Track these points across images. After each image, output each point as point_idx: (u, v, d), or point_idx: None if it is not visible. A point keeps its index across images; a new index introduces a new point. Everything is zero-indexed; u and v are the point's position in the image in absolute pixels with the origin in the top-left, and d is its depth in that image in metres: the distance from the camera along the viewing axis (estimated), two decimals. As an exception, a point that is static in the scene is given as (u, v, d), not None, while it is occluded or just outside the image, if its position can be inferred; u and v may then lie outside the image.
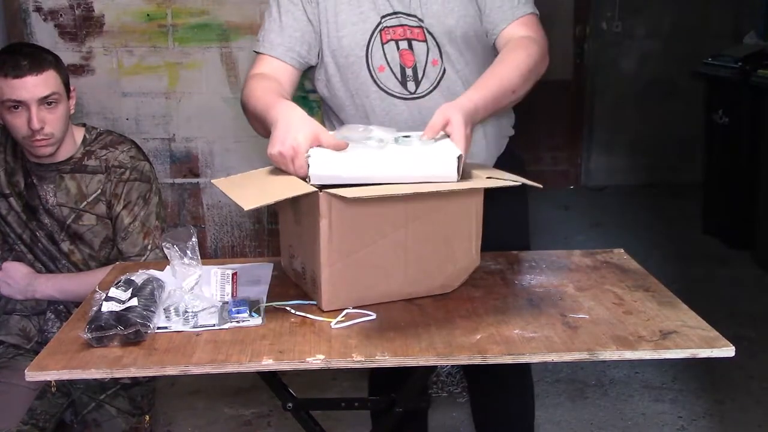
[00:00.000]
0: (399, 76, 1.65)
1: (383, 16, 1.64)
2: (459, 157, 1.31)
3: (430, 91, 1.66)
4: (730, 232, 4.29)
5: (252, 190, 1.36)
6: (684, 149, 5.47)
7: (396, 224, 1.33)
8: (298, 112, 1.40)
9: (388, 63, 1.65)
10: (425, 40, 1.64)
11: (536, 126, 5.44)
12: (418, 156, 1.34)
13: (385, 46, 1.64)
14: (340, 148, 1.34)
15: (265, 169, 1.44)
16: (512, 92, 1.54)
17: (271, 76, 1.64)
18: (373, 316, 1.32)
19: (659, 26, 5.58)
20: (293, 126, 1.35)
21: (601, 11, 5.57)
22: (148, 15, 3.07)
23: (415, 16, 1.64)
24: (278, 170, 1.39)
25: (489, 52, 1.72)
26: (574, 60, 5.65)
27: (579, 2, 5.56)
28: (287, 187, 1.31)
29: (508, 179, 1.39)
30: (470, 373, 2.05)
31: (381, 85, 1.66)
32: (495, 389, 1.94)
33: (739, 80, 3.99)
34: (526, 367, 1.99)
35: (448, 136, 1.37)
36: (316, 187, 1.28)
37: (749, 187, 4.02)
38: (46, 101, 1.79)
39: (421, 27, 1.64)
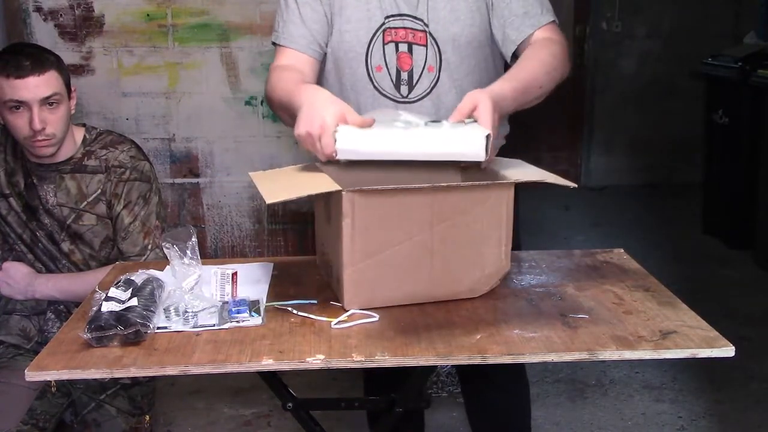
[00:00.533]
0: (394, 78, 1.66)
1: (387, 17, 1.64)
2: (487, 137, 1.28)
3: (422, 98, 1.67)
4: (730, 232, 4.29)
5: (280, 185, 1.36)
6: (684, 149, 5.47)
7: (421, 226, 1.31)
8: (323, 93, 1.40)
9: (386, 64, 1.65)
10: (426, 45, 1.65)
11: (536, 126, 5.44)
12: (447, 134, 1.31)
13: (385, 46, 1.65)
14: (366, 125, 1.32)
15: (300, 165, 1.45)
16: (539, 87, 1.54)
17: (294, 67, 1.64)
18: (376, 317, 1.31)
19: (659, 26, 5.58)
20: (319, 105, 1.34)
21: (601, 11, 5.57)
22: (148, 15, 3.06)
23: (421, 20, 1.64)
24: (312, 168, 1.40)
25: (491, 63, 1.72)
26: (574, 60, 5.64)
27: (579, 2, 5.56)
28: (312, 185, 1.32)
29: (537, 175, 1.36)
30: (463, 373, 2.05)
31: (376, 85, 1.66)
32: (489, 389, 1.94)
33: (739, 80, 3.99)
34: (521, 366, 1.98)
35: (476, 121, 1.33)
36: (340, 186, 1.28)
37: (749, 187, 4.02)
38: (47, 102, 1.79)
39: (425, 31, 1.64)
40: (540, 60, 1.56)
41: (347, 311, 1.33)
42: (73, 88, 1.89)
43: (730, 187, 4.23)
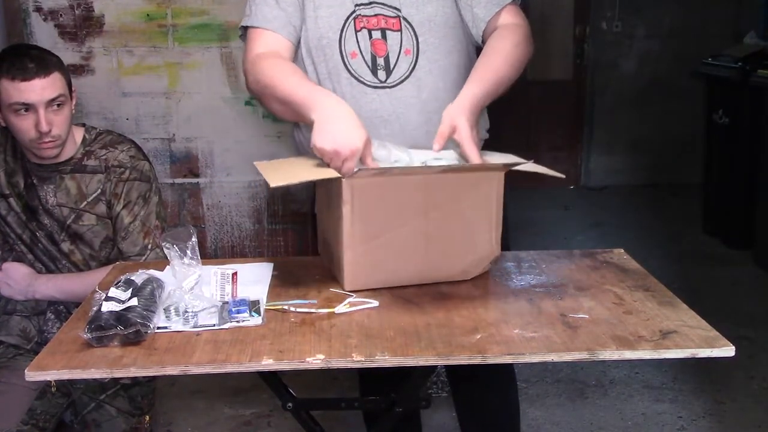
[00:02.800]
0: (370, 64, 1.66)
1: (358, 5, 1.66)
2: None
3: (401, 81, 1.67)
4: (730, 232, 4.29)
5: (283, 173, 1.43)
6: (684, 149, 5.47)
7: (417, 212, 1.39)
8: (346, 108, 1.43)
9: (360, 50, 1.66)
10: (400, 30, 1.66)
11: (536, 126, 5.45)
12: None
13: (358, 33, 1.66)
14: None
15: (305, 157, 1.52)
16: (508, 80, 1.62)
17: (278, 54, 1.64)
18: (376, 303, 1.36)
19: (659, 26, 5.58)
20: (350, 125, 1.39)
21: (601, 11, 5.57)
22: (148, 15, 3.06)
23: (392, 6, 1.66)
24: (314, 157, 1.45)
25: (465, 44, 1.74)
26: (574, 60, 5.65)
27: (579, 2, 5.57)
28: (315, 172, 1.39)
29: (526, 165, 1.41)
30: (452, 374, 2.04)
31: (352, 72, 1.66)
32: (478, 390, 1.94)
33: (739, 80, 3.99)
34: (510, 367, 1.98)
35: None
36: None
37: (749, 187, 4.02)
38: (53, 103, 1.78)
39: (398, 17, 1.66)
40: (505, 54, 1.62)
41: (346, 299, 1.37)
42: (73, 89, 1.89)
43: (730, 187, 4.23)
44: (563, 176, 1.41)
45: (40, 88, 1.76)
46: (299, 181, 1.37)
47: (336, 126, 1.39)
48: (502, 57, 1.62)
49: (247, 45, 1.69)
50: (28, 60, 1.77)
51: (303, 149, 1.75)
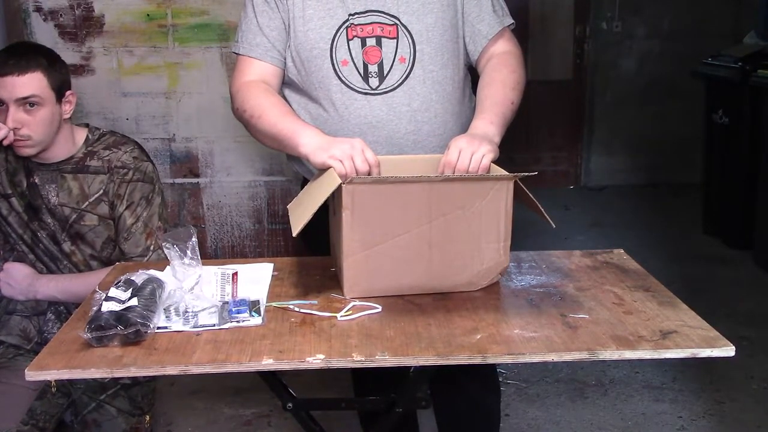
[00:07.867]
0: (361, 71, 1.67)
1: (352, 14, 1.67)
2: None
3: (393, 89, 1.68)
4: (730, 232, 4.29)
5: (302, 209, 1.43)
6: (684, 149, 5.47)
7: (420, 219, 1.36)
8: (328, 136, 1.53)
9: (352, 58, 1.67)
10: (397, 38, 1.67)
11: (536, 126, 5.45)
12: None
13: (350, 42, 1.67)
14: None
15: (318, 173, 1.50)
16: (514, 109, 1.68)
17: (265, 83, 1.70)
18: (379, 308, 1.34)
19: (659, 26, 5.58)
20: (339, 138, 1.51)
21: (601, 11, 5.57)
22: (148, 15, 3.06)
23: (389, 14, 1.67)
24: (324, 171, 1.46)
25: (460, 59, 1.76)
26: (574, 60, 5.65)
27: (579, 2, 5.57)
28: (322, 189, 1.38)
29: (531, 174, 1.43)
30: (432, 379, 2.02)
31: (343, 79, 1.68)
32: (458, 397, 1.93)
33: (739, 80, 3.99)
34: (492, 373, 1.98)
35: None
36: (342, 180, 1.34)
37: (749, 187, 4.02)
38: (25, 102, 1.77)
39: (395, 24, 1.67)
40: (504, 83, 1.69)
41: (349, 303, 1.36)
42: (69, 92, 1.87)
43: (730, 187, 4.23)
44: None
45: (10, 86, 1.75)
46: (312, 213, 1.32)
47: (331, 138, 1.48)
48: (507, 88, 1.67)
49: (235, 70, 1.76)
50: (10, 57, 1.76)
51: (301, 177, 1.82)
